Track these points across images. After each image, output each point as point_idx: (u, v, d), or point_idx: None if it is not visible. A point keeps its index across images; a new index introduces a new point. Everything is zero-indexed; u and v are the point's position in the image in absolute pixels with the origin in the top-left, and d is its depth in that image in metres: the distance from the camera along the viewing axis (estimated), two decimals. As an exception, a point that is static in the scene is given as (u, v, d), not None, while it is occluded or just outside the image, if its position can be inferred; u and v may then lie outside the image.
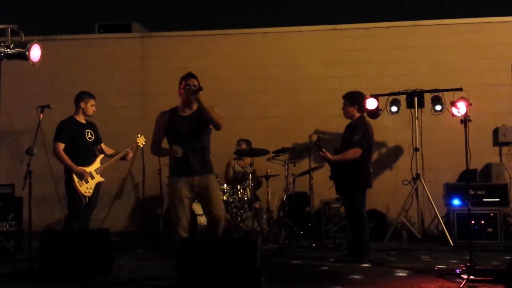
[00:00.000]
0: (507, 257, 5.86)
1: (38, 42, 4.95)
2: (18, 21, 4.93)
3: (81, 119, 6.12)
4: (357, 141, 5.79)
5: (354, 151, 5.79)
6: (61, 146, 5.91)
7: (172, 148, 4.97)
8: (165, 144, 5.21)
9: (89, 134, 6.12)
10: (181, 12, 12.20)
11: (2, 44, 4.77)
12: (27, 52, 4.82)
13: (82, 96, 6.14)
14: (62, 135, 5.95)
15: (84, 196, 5.88)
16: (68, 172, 5.89)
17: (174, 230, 4.90)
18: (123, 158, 6.27)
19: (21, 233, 6.38)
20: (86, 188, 5.90)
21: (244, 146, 7.80)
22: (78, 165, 5.89)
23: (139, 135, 6.61)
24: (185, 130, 5.02)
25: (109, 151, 6.31)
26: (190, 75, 5.18)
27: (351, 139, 5.83)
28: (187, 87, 5.01)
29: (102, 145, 6.29)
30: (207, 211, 5.08)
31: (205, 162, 5.07)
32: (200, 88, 4.95)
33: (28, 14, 11.18)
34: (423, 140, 7.84)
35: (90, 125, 6.22)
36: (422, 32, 8.78)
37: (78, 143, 5.98)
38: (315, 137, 6.22)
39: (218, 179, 7.60)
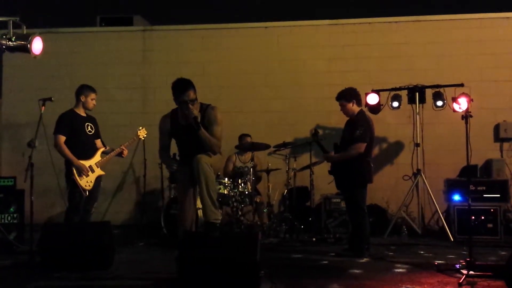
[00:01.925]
0: (503, 252, 5.89)
1: (40, 34, 4.94)
2: (20, 13, 4.92)
3: (81, 112, 6.12)
4: (359, 135, 5.77)
5: (357, 146, 5.76)
6: (62, 138, 5.91)
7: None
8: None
9: (89, 127, 6.12)
10: (183, 5, 12.18)
11: (4, 37, 4.76)
12: (29, 45, 4.81)
13: (83, 89, 6.14)
14: (63, 128, 5.94)
15: (84, 190, 5.88)
16: (69, 165, 5.89)
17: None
18: (119, 154, 6.25)
19: (22, 225, 6.39)
20: (86, 182, 5.91)
21: (249, 141, 7.76)
22: (79, 158, 5.89)
23: (140, 128, 6.61)
24: (188, 140, 5.08)
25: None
26: (183, 88, 5.16)
27: (353, 134, 5.81)
28: (189, 116, 5.06)
29: (98, 141, 6.27)
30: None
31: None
32: (198, 125, 5.00)
33: (30, 7, 11.16)
34: (424, 136, 7.84)
35: (91, 118, 6.22)
36: (424, 28, 8.76)
37: (78, 136, 5.98)
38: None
39: (219, 174, 7.67)
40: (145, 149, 7.47)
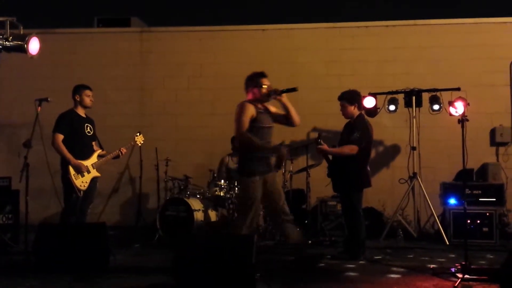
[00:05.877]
0: (498, 256, 5.90)
1: (37, 35, 4.92)
2: (17, 13, 4.92)
3: (81, 112, 6.10)
4: (355, 139, 5.78)
5: (351, 147, 5.78)
6: (60, 137, 5.88)
7: (281, 149, 4.98)
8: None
9: (88, 128, 6.10)
10: (181, 7, 12.19)
11: (1, 37, 4.75)
12: (25, 45, 4.79)
13: (76, 89, 6.12)
14: (62, 127, 5.92)
15: (79, 190, 5.85)
16: (65, 165, 5.87)
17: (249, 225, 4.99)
18: (116, 157, 6.24)
19: (17, 226, 6.37)
20: (81, 182, 5.88)
21: None
22: (76, 158, 5.87)
23: (138, 134, 6.59)
24: (269, 124, 5.13)
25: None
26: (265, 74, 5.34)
27: (350, 136, 5.83)
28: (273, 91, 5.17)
29: (94, 143, 6.24)
30: (274, 203, 5.22)
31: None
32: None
33: (27, 7, 11.15)
34: (420, 139, 7.85)
35: (90, 120, 6.20)
36: (421, 32, 8.78)
37: (77, 136, 5.96)
38: (313, 135, 6.22)
39: (215, 175, 7.67)
40: (141, 150, 7.45)
